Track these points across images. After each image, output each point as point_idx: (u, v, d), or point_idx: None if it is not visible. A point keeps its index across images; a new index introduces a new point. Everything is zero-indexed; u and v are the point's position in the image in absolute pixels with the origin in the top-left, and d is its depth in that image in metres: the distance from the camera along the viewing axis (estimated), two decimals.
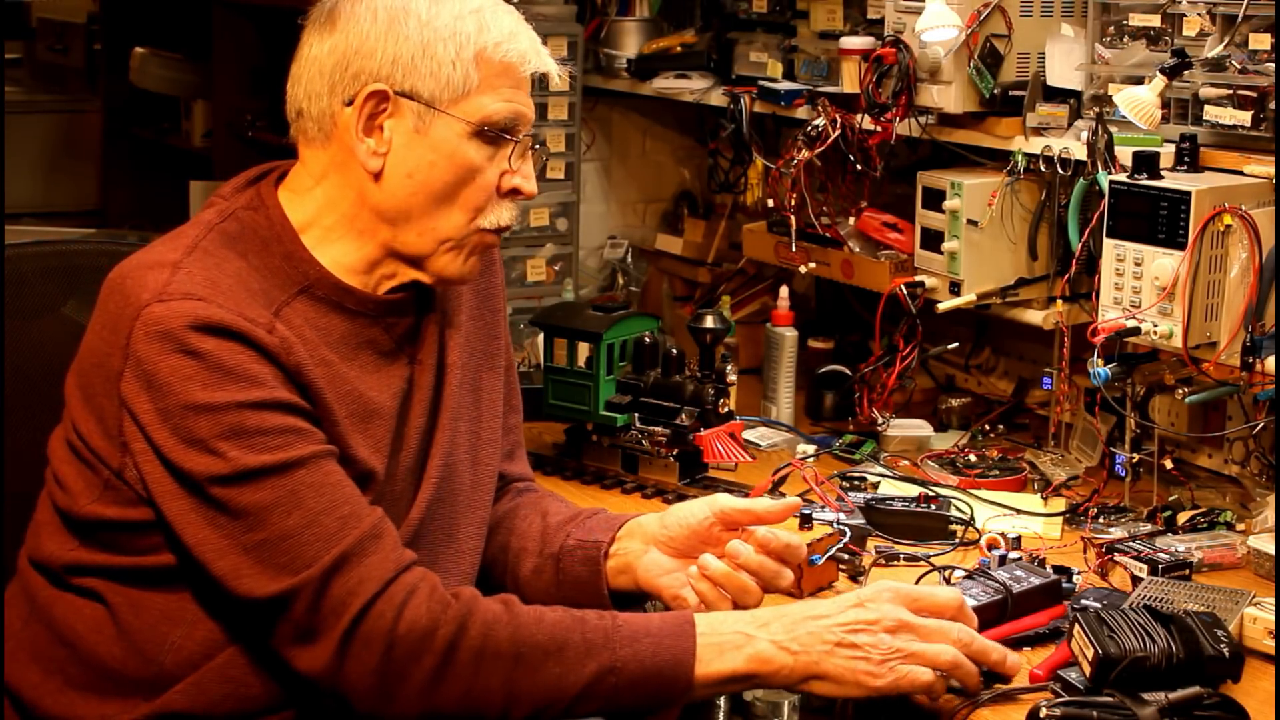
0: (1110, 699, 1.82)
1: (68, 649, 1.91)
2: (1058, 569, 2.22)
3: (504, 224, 1.97)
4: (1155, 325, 2.34)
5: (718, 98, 3.24)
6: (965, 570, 2.21)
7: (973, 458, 2.78)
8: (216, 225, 1.92)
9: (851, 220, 2.97)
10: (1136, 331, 2.36)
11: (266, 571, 1.78)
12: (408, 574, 1.81)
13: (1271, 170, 2.31)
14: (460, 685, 1.78)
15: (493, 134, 1.93)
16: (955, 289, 2.74)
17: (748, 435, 2.86)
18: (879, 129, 2.80)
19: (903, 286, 2.78)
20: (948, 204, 2.71)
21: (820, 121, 2.88)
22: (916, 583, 2.20)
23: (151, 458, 1.81)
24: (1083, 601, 2.12)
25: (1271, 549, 2.29)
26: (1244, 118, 2.36)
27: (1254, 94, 2.35)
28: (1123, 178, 2.39)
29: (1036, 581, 2.12)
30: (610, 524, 2.11)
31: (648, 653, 1.82)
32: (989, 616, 2.06)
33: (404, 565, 1.81)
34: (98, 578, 1.90)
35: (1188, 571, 2.24)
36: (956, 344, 3.01)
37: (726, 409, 2.66)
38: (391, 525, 1.85)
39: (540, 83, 1.98)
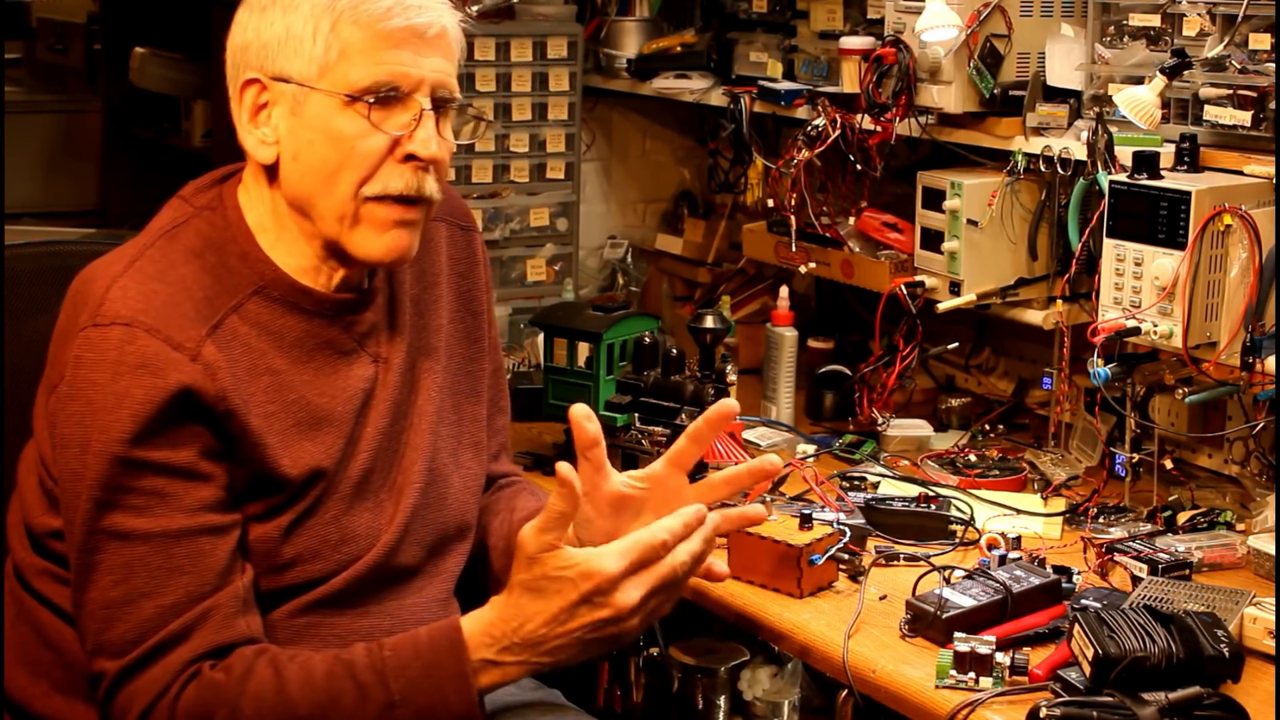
0: (1110, 699, 1.82)
1: (53, 653, 1.91)
2: (1058, 569, 2.22)
3: (392, 191, 1.87)
4: (1155, 325, 2.34)
5: (718, 98, 3.24)
6: (965, 570, 2.21)
7: (973, 458, 2.78)
8: (167, 230, 1.92)
9: (851, 220, 2.97)
10: (1136, 331, 2.36)
11: (83, 634, 1.81)
12: (197, 666, 1.79)
13: (1271, 170, 2.31)
14: None
15: (371, 100, 1.85)
16: (955, 289, 2.74)
17: (748, 435, 2.86)
18: (879, 129, 2.80)
19: (903, 286, 2.78)
20: (948, 204, 2.71)
21: (820, 121, 2.88)
22: (917, 582, 2.21)
23: (58, 477, 1.84)
24: (1083, 601, 2.12)
25: (1271, 549, 2.29)
26: (1244, 118, 2.36)
27: (1254, 94, 2.35)
28: (1123, 178, 2.39)
29: (1036, 581, 2.12)
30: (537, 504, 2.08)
31: (421, 676, 1.80)
32: (989, 616, 2.07)
33: (199, 655, 1.80)
34: (65, 586, 1.89)
35: (1188, 571, 2.24)
36: (956, 344, 3.01)
37: None
38: (225, 604, 1.82)
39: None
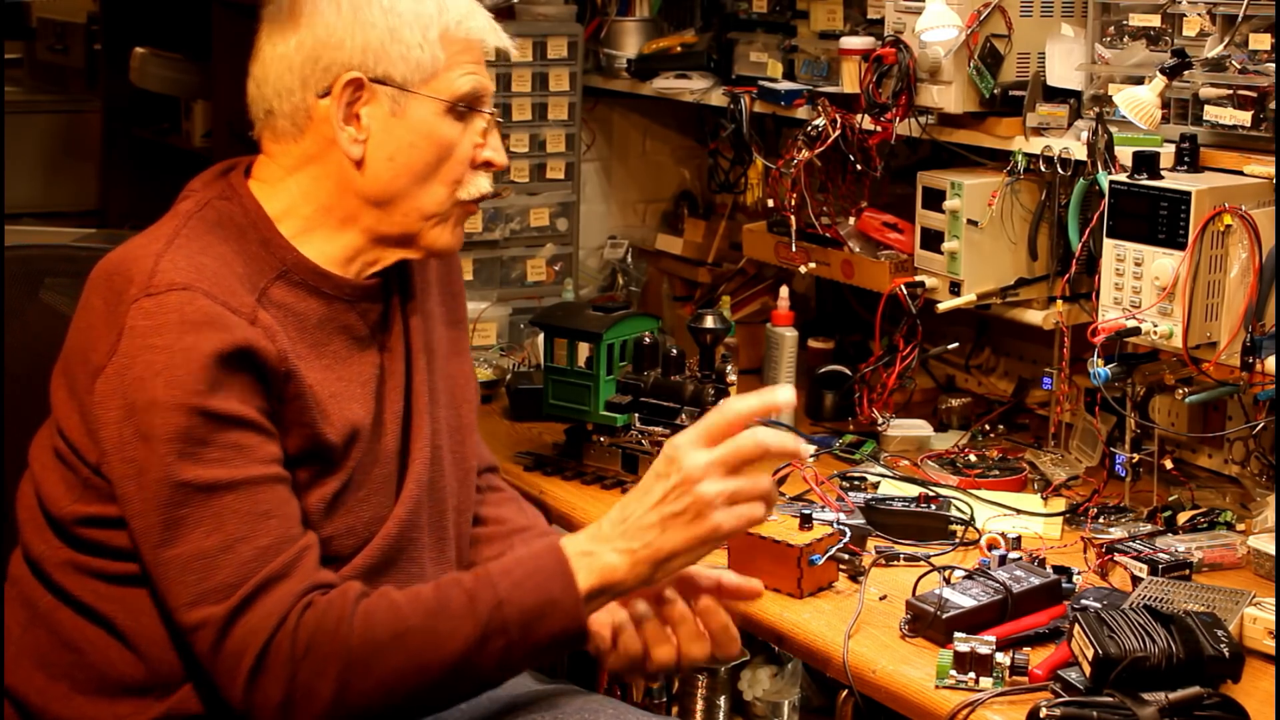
0: (1110, 699, 1.82)
1: (73, 654, 1.91)
2: (1058, 569, 2.22)
3: (483, 193, 2.02)
4: (1155, 325, 2.34)
5: (718, 98, 3.24)
6: (965, 570, 2.21)
7: (973, 458, 2.78)
8: (195, 214, 1.94)
9: (851, 220, 2.97)
10: (1136, 331, 2.36)
11: (176, 591, 1.80)
12: (308, 597, 1.81)
13: (1271, 170, 2.31)
14: (371, 679, 1.80)
15: (462, 109, 1.98)
16: (955, 289, 2.74)
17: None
18: (879, 129, 2.80)
19: (903, 286, 2.78)
20: (948, 204, 2.71)
21: (820, 121, 2.88)
22: (917, 582, 2.21)
23: (114, 451, 1.82)
24: (1083, 601, 2.12)
25: (1271, 549, 2.29)
26: (1244, 118, 2.36)
27: (1254, 94, 2.35)
28: (1123, 178, 2.39)
29: (1036, 581, 2.12)
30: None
31: (523, 589, 1.81)
32: (989, 617, 2.07)
33: (307, 588, 1.81)
34: (90, 577, 1.90)
35: (1188, 571, 2.25)
36: (956, 344, 3.01)
37: None
38: (314, 547, 1.85)
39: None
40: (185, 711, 1.87)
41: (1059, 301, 2.64)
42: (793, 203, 2.94)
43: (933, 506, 2.48)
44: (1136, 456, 2.55)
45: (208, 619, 1.78)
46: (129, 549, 1.86)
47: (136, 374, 1.80)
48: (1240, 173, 2.36)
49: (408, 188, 1.97)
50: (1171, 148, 2.42)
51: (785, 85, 3.06)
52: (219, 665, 1.79)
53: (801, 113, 3.01)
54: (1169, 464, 2.57)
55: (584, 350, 2.73)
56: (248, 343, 1.82)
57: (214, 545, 1.79)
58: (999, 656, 1.95)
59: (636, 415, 2.66)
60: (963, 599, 2.08)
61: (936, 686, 1.96)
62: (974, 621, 2.04)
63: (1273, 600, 2.07)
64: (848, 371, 3.06)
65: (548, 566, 1.83)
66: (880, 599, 2.21)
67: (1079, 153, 2.56)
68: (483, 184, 2.02)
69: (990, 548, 2.32)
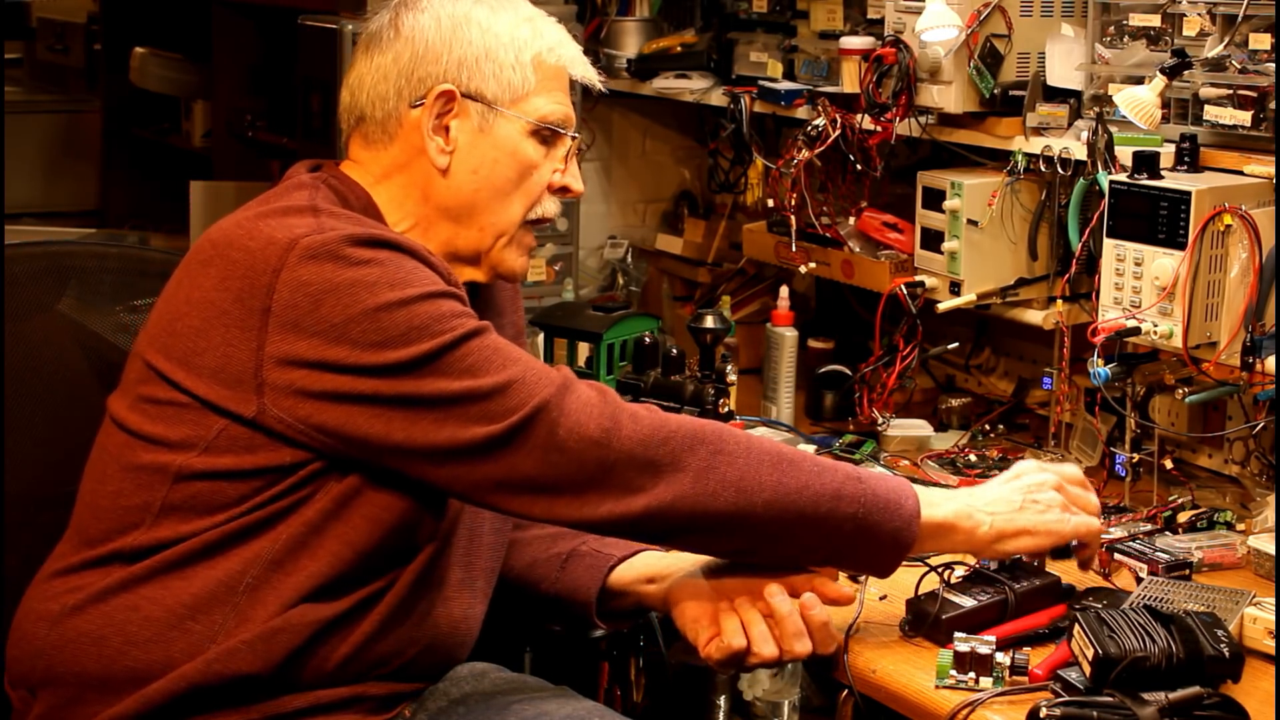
0: (1110, 699, 1.82)
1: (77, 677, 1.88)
2: None
3: (549, 216, 2.10)
4: (1155, 325, 2.34)
5: (718, 98, 3.24)
6: (965, 569, 2.21)
7: (973, 458, 2.78)
8: (320, 186, 1.99)
9: (851, 220, 2.97)
10: (1136, 331, 2.36)
11: (495, 412, 1.82)
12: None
13: (1271, 170, 2.31)
14: (733, 470, 1.86)
15: (547, 133, 2.04)
16: (955, 289, 2.74)
17: None
18: (879, 129, 2.80)
19: (903, 286, 2.78)
20: (948, 204, 2.71)
21: (820, 121, 2.88)
22: (919, 582, 2.21)
23: (320, 386, 1.82)
24: (1083, 601, 2.12)
25: (1271, 549, 2.29)
26: (1244, 118, 2.36)
27: (1254, 94, 2.35)
28: (1123, 178, 2.39)
29: (1037, 581, 2.12)
30: (628, 544, 2.15)
31: (878, 478, 1.94)
32: (989, 616, 2.06)
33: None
34: (169, 550, 1.86)
35: (1188, 571, 2.25)
36: (956, 344, 3.01)
37: (726, 409, 2.66)
38: None
39: None
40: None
41: (1059, 301, 2.64)
42: (793, 203, 2.94)
43: None
44: (1136, 456, 2.55)
45: (542, 404, 1.82)
46: (233, 503, 1.85)
47: (343, 293, 1.82)
48: (1240, 173, 2.35)
49: (487, 202, 2.03)
50: (1171, 148, 2.41)
51: (785, 85, 3.06)
52: (566, 433, 1.82)
53: (801, 113, 3.01)
54: (1169, 464, 2.57)
55: (584, 350, 2.73)
56: (428, 259, 1.89)
57: (515, 370, 1.84)
58: (999, 656, 1.95)
59: None
60: (963, 599, 2.08)
61: (936, 686, 1.96)
62: (974, 621, 2.04)
63: (1273, 600, 2.07)
64: (848, 371, 3.06)
65: (897, 482, 1.96)
66: (880, 599, 2.21)
67: (1079, 153, 2.56)
68: (551, 206, 2.09)
69: None
